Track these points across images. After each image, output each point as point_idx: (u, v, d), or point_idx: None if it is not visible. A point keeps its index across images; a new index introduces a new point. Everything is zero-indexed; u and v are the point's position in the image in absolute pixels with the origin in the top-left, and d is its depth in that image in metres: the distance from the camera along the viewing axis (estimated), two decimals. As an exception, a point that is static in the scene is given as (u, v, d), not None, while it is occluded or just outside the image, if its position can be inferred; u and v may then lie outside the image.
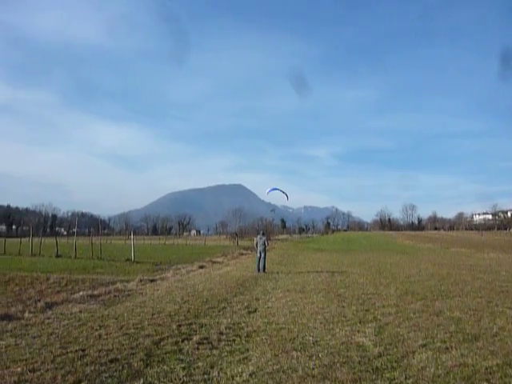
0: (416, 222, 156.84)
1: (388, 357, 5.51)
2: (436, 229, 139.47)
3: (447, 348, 5.87)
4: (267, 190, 25.09)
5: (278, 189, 25.10)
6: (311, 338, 6.46)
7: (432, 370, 4.98)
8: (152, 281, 14.24)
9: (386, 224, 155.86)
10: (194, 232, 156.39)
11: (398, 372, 4.93)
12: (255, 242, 18.62)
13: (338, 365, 5.19)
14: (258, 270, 17.19)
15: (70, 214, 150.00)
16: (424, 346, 6.01)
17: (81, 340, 6.36)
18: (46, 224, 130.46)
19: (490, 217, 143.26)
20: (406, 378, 4.73)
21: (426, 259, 25.48)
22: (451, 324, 7.35)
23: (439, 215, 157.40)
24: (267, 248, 18.45)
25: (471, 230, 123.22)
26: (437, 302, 9.72)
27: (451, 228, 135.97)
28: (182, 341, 6.33)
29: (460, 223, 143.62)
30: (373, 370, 5.03)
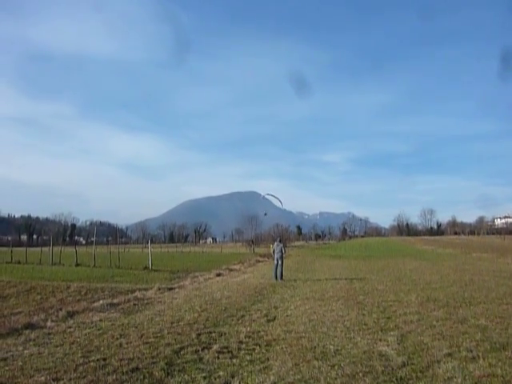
0: (435, 227, 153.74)
1: (412, 366, 5.39)
2: (456, 233, 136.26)
3: (474, 357, 5.70)
4: (262, 194, 26.16)
5: (272, 194, 25.94)
6: (332, 347, 6.37)
7: (459, 380, 4.84)
8: (170, 289, 14.30)
9: (403, 229, 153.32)
10: (210, 239, 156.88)
11: (424, 382, 4.81)
12: (272, 250, 18.55)
13: (360, 374, 5.09)
14: (276, 277, 17.08)
15: (88, 223, 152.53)
16: (449, 355, 5.85)
17: (102, 349, 6.41)
18: (66, 233, 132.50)
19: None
20: (432, 389, 4.60)
21: (446, 265, 24.92)
22: (477, 332, 7.15)
23: (459, 219, 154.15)
24: (284, 255, 18.34)
25: (493, 234, 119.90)
26: (460, 309, 9.48)
27: (472, 232, 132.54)
28: (202, 350, 6.33)
29: (481, 227, 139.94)
30: (397, 380, 4.92)
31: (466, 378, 4.92)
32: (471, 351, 5.99)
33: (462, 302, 10.46)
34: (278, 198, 25.10)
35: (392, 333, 7.25)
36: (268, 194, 26.16)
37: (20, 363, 5.72)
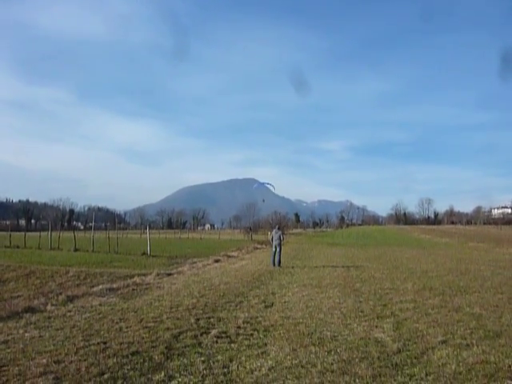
0: (432, 216, 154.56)
1: (407, 353, 5.47)
2: (453, 223, 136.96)
3: (468, 345, 5.80)
4: (254, 186, 27.05)
5: (264, 183, 26.80)
6: (329, 333, 6.46)
7: (453, 366, 4.93)
8: (169, 274, 14.42)
9: (401, 218, 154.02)
10: (208, 226, 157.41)
11: (418, 368, 4.90)
12: (271, 237, 18.65)
13: (356, 360, 5.18)
14: (274, 264, 17.21)
15: (86, 208, 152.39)
16: (444, 342, 5.94)
17: (102, 333, 6.49)
18: (64, 218, 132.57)
19: (509, 211, 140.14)
20: (426, 375, 4.69)
21: (443, 254, 25.17)
22: (471, 320, 7.25)
23: (456, 209, 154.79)
24: (283, 242, 18.46)
25: (490, 224, 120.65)
26: (456, 297, 9.60)
27: (469, 222, 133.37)
28: (201, 334, 6.41)
29: (478, 217, 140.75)
30: (392, 365, 5.00)
31: (460, 364, 5.02)
32: (465, 339, 6.09)
33: (458, 290, 10.59)
34: (270, 184, 25.64)
35: (388, 320, 7.35)
36: (260, 184, 26.79)
37: (21, 346, 5.79)
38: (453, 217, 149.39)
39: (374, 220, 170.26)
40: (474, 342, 5.91)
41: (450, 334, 6.38)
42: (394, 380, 4.56)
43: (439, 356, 5.32)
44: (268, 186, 25.90)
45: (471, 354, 5.40)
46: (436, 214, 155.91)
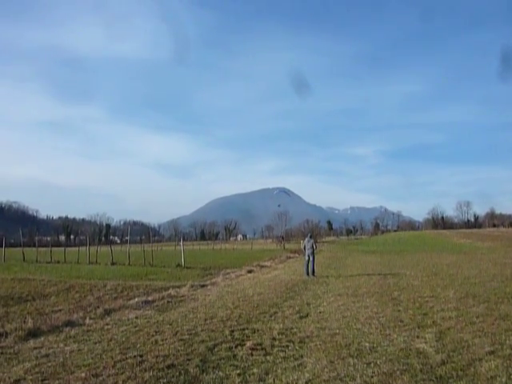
0: (472, 220, 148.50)
1: (452, 364, 5.19)
2: (495, 226, 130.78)
3: (519, 355, 5.44)
4: (274, 192, 27.51)
5: (282, 190, 27.43)
6: (367, 344, 6.24)
7: (503, 379, 4.62)
8: (203, 286, 14.48)
9: (438, 223, 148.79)
10: (240, 236, 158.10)
11: (465, 381, 4.62)
12: (303, 245, 18.44)
13: (398, 373, 4.95)
14: (307, 273, 16.96)
15: (122, 222, 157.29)
16: (492, 353, 5.60)
17: (138, 346, 6.55)
18: (101, 233, 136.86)
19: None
20: (474, 388, 4.42)
21: (486, 259, 24.01)
22: (521, 329, 6.82)
23: (498, 211, 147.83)
24: (316, 251, 18.18)
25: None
26: (502, 304, 9.08)
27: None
28: (236, 346, 6.35)
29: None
30: (436, 378, 4.75)
31: (511, 377, 4.70)
32: (515, 349, 5.72)
33: (504, 297, 10.03)
34: (286, 192, 26.17)
35: (430, 330, 7.04)
36: (280, 191, 27.38)
37: (61, 359, 5.92)
38: (494, 219, 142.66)
39: (411, 225, 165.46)
40: (526, 352, 5.53)
41: (498, 344, 6.01)
42: (440, 394, 4.32)
43: (487, 368, 5.01)
44: (284, 192, 26.44)
45: (523, 365, 5.05)
46: (476, 217, 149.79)
